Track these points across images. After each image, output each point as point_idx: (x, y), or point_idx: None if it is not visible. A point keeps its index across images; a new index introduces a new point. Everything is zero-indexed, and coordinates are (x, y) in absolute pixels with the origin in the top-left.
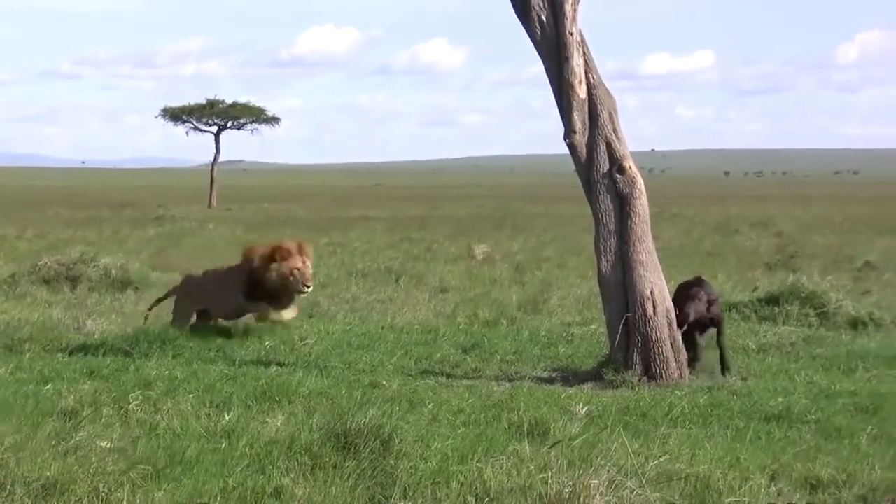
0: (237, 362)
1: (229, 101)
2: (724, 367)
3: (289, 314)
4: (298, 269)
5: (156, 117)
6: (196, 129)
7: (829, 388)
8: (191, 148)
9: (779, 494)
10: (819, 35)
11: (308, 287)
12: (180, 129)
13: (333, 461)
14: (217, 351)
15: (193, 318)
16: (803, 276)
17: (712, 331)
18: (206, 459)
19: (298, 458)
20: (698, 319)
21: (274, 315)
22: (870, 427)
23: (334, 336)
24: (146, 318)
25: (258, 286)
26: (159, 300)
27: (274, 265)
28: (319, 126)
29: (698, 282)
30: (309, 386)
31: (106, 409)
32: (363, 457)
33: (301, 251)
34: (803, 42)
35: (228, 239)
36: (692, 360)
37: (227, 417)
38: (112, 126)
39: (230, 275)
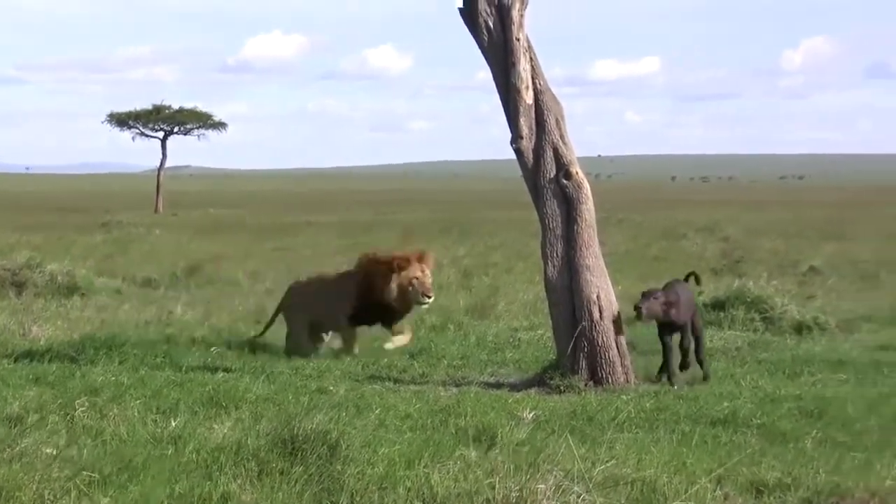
0: (184, 368)
1: (176, 106)
2: (671, 375)
3: (401, 339)
4: (417, 279)
5: (102, 123)
6: (143, 134)
7: (775, 393)
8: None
9: (725, 498)
10: (765, 41)
11: (429, 298)
12: (127, 135)
13: (280, 467)
14: (164, 357)
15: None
16: (749, 280)
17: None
18: (153, 466)
19: (245, 464)
20: (655, 319)
21: (387, 344)
22: (815, 431)
23: (281, 342)
24: (258, 336)
25: (371, 297)
26: (272, 320)
27: (393, 275)
28: (267, 131)
29: (672, 283)
30: (256, 392)
31: (52, 415)
32: (310, 462)
33: (421, 260)
34: (749, 48)
35: (175, 244)
36: (662, 365)
37: (173, 423)
38: (58, 131)
39: (341, 282)
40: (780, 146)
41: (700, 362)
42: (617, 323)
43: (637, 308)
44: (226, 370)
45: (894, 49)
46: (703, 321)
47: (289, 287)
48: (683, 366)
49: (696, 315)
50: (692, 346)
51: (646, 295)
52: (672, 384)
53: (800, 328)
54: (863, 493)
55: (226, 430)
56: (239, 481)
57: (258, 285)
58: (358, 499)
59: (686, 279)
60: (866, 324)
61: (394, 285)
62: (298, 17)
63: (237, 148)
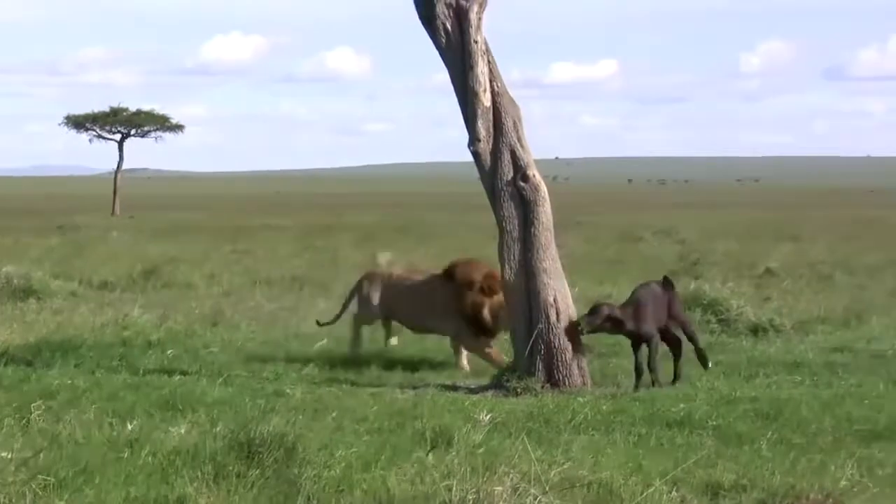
0: (140, 371)
1: (133, 108)
2: (635, 382)
3: (463, 363)
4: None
5: (59, 125)
6: (100, 136)
7: (730, 395)
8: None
9: (681, 501)
10: (722, 45)
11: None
12: (83, 137)
13: (237, 470)
14: (120, 360)
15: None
16: (705, 283)
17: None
18: (109, 469)
19: (202, 467)
20: (602, 330)
21: (461, 362)
22: (770, 432)
23: (237, 344)
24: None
25: (464, 311)
26: (343, 309)
27: (486, 298)
28: (225, 134)
29: (638, 292)
30: (213, 395)
31: (7, 419)
32: (267, 465)
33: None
34: (706, 52)
35: (132, 247)
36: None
37: (129, 427)
38: (13, 134)
39: (433, 286)
40: (737, 149)
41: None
42: (574, 325)
43: (579, 323)
44: (182, 373)
45: (851, 52)
46: (690, 326)
47: (364, 276)
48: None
49: (675, 322)
50: (654, 355)
51: (591, 311)
52: (654, 384)
53: (756, 330)
54: (817, 494)
55: (182, 434)
56: (195, 484)
57: (215, 288)
58: (315, 502)
59: (664, 284)
60: (821, 325)
61: (486, 309)
62: (257, 19)
63: (195, 150)
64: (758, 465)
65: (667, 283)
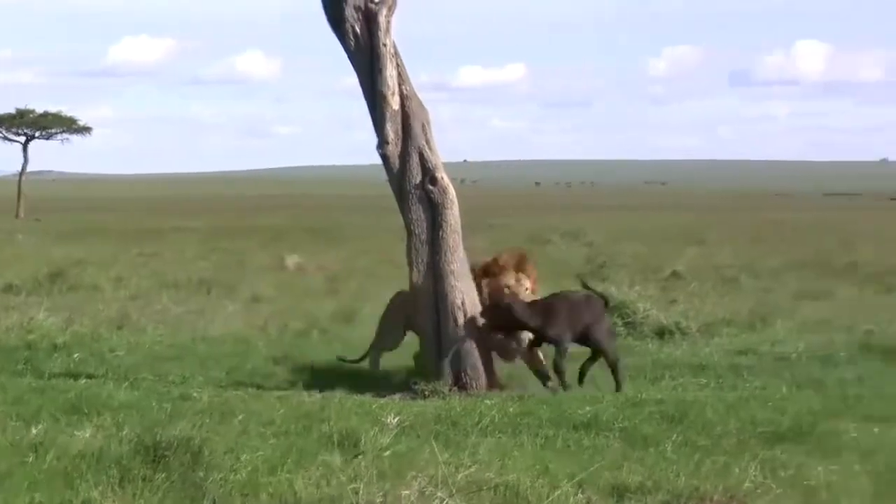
0: (46, 375)
1: (40, 110)
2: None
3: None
4: (509, 288)
5: None
6: (4, 138)
7: (636, 397)
8: None
9: (587, 503)
10: (630, 49)
11: None
12: None
13: (143, 474)
14: (25, 363)
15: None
16: (612, 285)
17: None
18: (14, 473)
19: (107, 471)
20: (505, 327)
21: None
22: (675, 434)
23: (145, 348)
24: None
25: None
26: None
27: (483, 281)
28: (133, 136)
29: (551, 297)
30: (119, 398)
31: None
32: (173, 469)
33: (519, 266)
34: (613, 56)
35: (38, 249)
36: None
37: (34, 431)
38: None
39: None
40: (644, 152)
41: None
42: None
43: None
44: (88, 376)
45: (756, 57)
46: (607, 335)
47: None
48: (580, 380)
49: (591, 329)
50: (559, 360)
51: (494, 306)
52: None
53: (662, 332)
54: (722, 495)
55: (88, 438)
56: (100, 489)
57: (122, 291)
58: None
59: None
60: (727, 328)
61: (484, 294)
62: (165, 21)
63: (102, 152)
64: (663, 467)
65: (593, 298)
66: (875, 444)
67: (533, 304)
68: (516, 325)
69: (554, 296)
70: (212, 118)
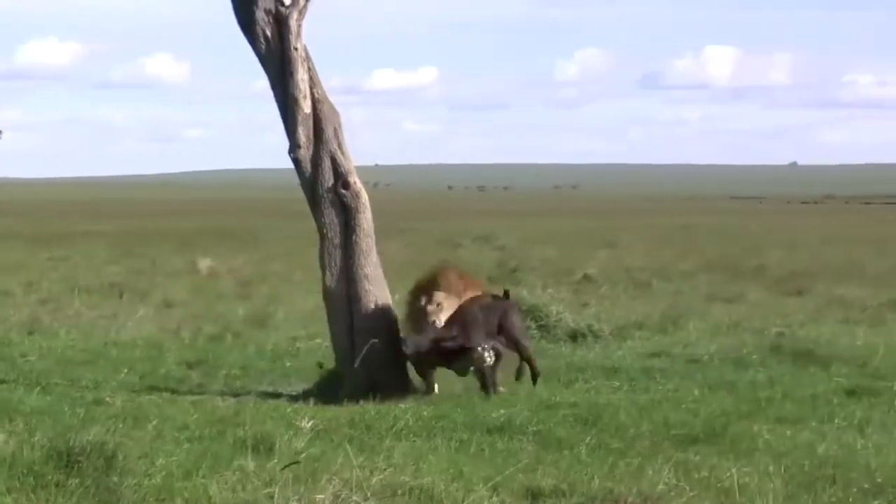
0: None
1: None
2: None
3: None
4: (419, 311)
5: None
6: None
7: (550, 400)
8: None
9: None
10: (540, 53)
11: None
12: None
13: (56, 479)
14: None
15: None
16: (524, 289)
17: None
18: None
19: (20, 477)
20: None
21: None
22: (589, 437)
23: (57, 353)
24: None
25: None
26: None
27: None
28: (42, 139)
29: (462, 309)
30: (31, 404)
31: None
32: (87, 474)
33: (427, 286)
34: (524, 59)
35: None
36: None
37: None
38: None
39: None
40: (556, 156)
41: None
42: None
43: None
44: None
45: (666, 60)
46: (522, 342)
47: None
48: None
49: (507, 336)
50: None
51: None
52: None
53: (574, 336)
54: (635, 497)
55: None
56: (13, 495)
57: (32, 295)
58: None
59: (505, 296)
60: (639, 331)
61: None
62: (74, 24)
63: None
64: (577, 470)
65: (501, 296)
66: (787, 446)
67: (448, 321)
68: (442, 351)
69: (461, 307)
70: (121, 121)
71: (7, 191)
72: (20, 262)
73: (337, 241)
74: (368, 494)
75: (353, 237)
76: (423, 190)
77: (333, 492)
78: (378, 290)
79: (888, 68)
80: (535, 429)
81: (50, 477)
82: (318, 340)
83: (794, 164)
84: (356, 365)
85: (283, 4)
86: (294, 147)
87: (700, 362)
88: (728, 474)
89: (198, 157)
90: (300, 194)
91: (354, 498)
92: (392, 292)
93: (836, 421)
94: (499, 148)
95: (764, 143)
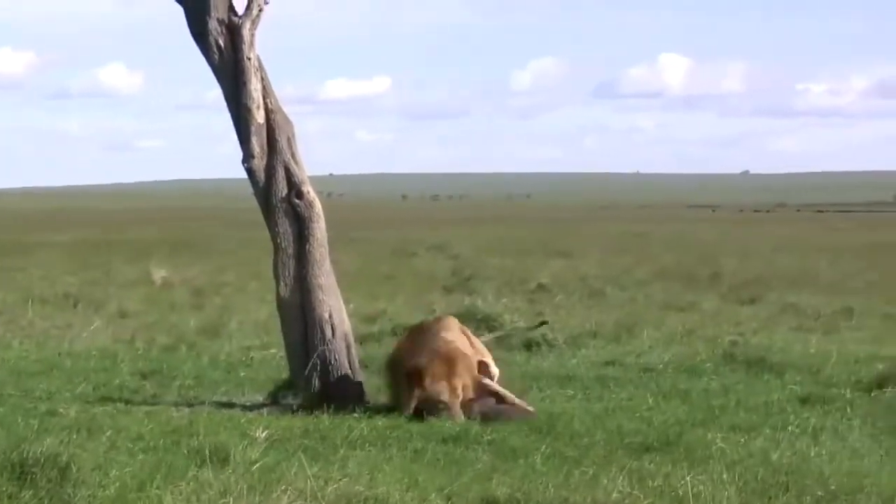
0: None
1: None
2: None
3: None
4: (443, 403)
5: None
6: None
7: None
8: None
9: None
10: (493, 62)
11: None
12: None
13: (9, 491)
14: None
15: None
16: (479, 298)
17: None
18: None
19: None
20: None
21: None
22: (544, 446)
23: (10, 363)
24: None
25: None
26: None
27: (416, 392)
28: None
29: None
30: None
31: None
32: (40, 486)
33: (451, 370)
34: (478, 68)
35: None
36: None
37: None
38: None
39: None
40: (510, 165)
41: None
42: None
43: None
44: None
45: (620, 69)
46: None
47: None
48: None
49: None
50: None
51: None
52: None
53: (529, 345)
54: None
55: None
56: None
57: None
58: None
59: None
60: (593, 339)
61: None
62: (27, 34)
63: None
64: (532, 479)
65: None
66: (741, 454)
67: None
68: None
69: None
70: (75, 131)
71: None
72: None
73: (291, 250)
74: None
75: (307, 247)
76: (377, 199)
77: (288, 501)
78: (332, 300)
79: (841, 77)
80: (489, 438)
81: (3, 489)
82: (273, 350)
83: (746, 173)
84: (309, 374)
85: (235, 14)
86: (248, 157)
87: (654, 371)
88: (682, 482)
89: (152, 166)
90: (254, 204)
91: None
92: (346, 301)
93: (789, 428)
94: (453, 157)
95: (717, 151)
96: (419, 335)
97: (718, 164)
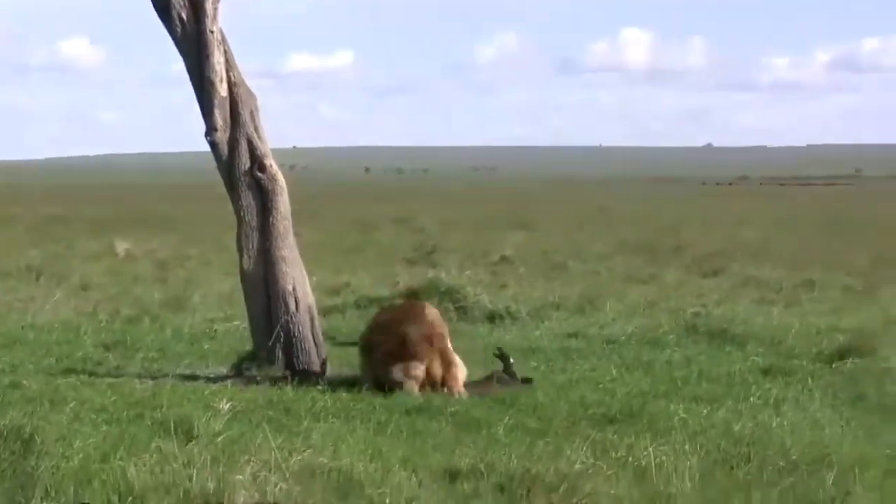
0: None
1: None
2: None
3: None
4: (434, 378)
5: None
6: None
7: (468, 381)
8: None
9: (419, 485)
10: (457, 36)
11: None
12: None
13: None
14: None
15: None
16: (442, 270)
17: None
18: None
19: None
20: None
21: None
22: (507, 418)
23: None
24: None
25: None
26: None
27: (398, 366)
28: None
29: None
30: None
31: None
32: (3, 458)
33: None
34: (442, 43)
35: None
36: None
37: None
38: None
39: None
40: (473, 139)
41: None
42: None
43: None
44: None
45: (583, 45)
46: None
47: None
48: None
49: None
50: None
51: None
52: None
53: (492, 317)
54: (553, 477)
55: None
56: None
57: None
58: (53, 493)
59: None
60: (556, 312)
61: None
62: None
63: None
64: (495, 450)
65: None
66: (703, 425)
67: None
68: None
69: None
70: (36, 105)
71: None
72: None
73: (254, 223)
74: (287, 475)
75: (270, 220)
76: (341, 172)
77: (252, 473)
78: (295, 272)
79: (803, 51)
80: (452, 409)
81: None
82: (236, 323)
83: (709, 146)
84: (273, 347)
85: None
86: (210, 130)
87: (617, 342)
88: (645, 453)
89: (114, 140)
90: (217, 177)
91: (273, 479)
92: (309, 274)
93: (751, 399)
94: (417, 131)
95: (680, 125)
96: (398, 313)
97: (681, 137)
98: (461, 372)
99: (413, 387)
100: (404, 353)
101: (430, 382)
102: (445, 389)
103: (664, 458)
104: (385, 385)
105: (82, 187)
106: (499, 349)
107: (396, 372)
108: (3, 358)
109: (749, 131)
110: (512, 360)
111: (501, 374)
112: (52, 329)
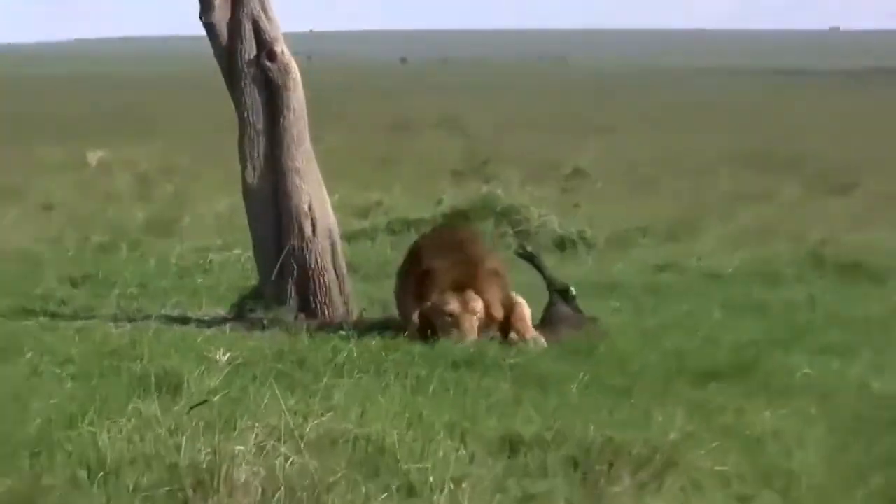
0: None
1: None
2: None
3: None
4: (452, 316)
5: None
6: None
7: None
8: None
9: (470, 459)
10: None
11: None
12: None
13: None
14: None
15: None
16: (499, 186)
17: None
18: None
19: None
20: None
21: None
22: (581, 373)
23: None
24: None
25: None
26: None
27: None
28: None
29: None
30: None
31: None
32: None
33: (465, 282)
34: None
35: None
36: None
37: None
38: None
39: None
40: (537, 20)
41: None
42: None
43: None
44: None
45: None
46: None
47: None
48: None
49: None
50: None
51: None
52: None
53: (562, 244)
54: (641, 448)
55: None
56: None
57: None
58: (4, 468)
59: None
60: (643, 238)
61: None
62: None
63: None
64: (566, 415)
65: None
66: (834, 383)
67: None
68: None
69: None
70: None
71: None
72: None
73: (260, 126)
74: (301, 445)
75: (282, 121)
76: (370, 62)
77: (256, 442)
78: (312, 187)
79: None
80: (512, 362)
81: None
82: (237, 251)
83: (835, 30)
84: (283, 281)
85: None
86: (206, 9)
87: (721, 278)
88: (759, 419)
89: (92, 22)
90: (214, 68)
91: (283, 450)
92: (330, 192)
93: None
94: (464, 11)
95: (798, 2)
96: (448, 234)
97: (800, 19)
98: (528, 312)
99: (473, 326)
100: (463, 280)
101: (487, 325)
102: (513, 334)
103: (783, 424)
104: (431, 327)
105: (47, 78)
106: (521, 246)
107: (453, 303)
108: None
109: (883, 13)
110: (573, 292)
111: (559, 309)
112: (7, 259)
